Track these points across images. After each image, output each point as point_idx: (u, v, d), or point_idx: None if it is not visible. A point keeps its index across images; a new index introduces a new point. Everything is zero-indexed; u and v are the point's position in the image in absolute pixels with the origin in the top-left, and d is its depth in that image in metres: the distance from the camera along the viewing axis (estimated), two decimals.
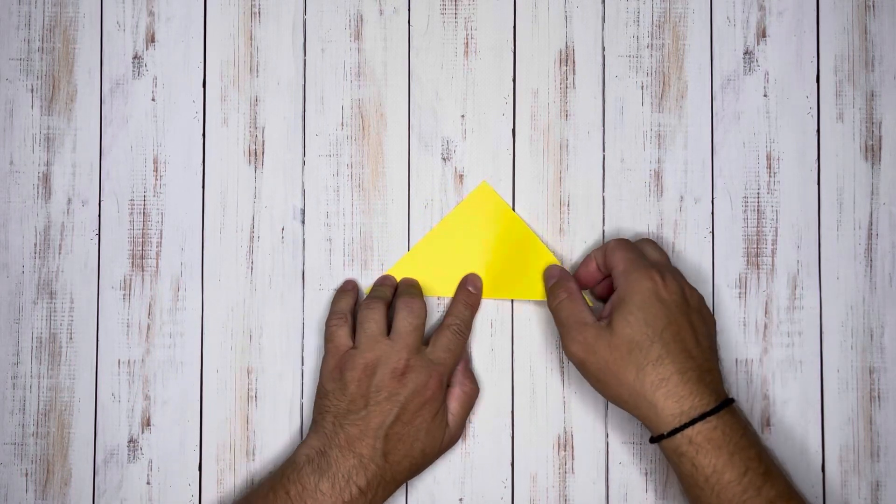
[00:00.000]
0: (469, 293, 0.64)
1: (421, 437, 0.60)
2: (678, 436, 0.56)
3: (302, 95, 0.66)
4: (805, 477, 0.65)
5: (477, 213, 0.65)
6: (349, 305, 0.63)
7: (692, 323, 0.59)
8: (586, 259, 0.63)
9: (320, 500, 0.58)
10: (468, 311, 0.64)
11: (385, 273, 0.65)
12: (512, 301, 0.65)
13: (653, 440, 0.58)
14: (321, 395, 0.61)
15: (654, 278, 0.58)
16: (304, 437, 0.62)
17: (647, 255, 0.61)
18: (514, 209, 0.66)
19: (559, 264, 0.64)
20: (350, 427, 0.59)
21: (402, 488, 0.65)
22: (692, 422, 0.56)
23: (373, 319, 0.61)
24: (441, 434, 0.61)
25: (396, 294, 0.64)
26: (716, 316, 0.66)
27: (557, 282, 0.62)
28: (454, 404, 0.62)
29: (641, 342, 0.57)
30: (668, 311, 0.58)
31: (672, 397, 0.57)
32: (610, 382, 0.58)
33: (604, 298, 0.63)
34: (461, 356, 0.63)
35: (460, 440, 0.65)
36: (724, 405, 0.57)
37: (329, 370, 0.61)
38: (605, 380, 0.59)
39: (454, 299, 0.64)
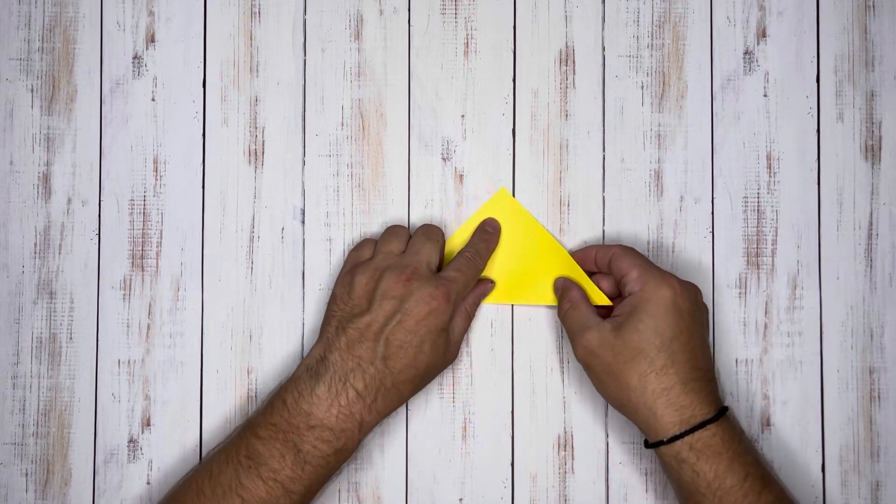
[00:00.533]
0: (486, 232, 0.64)
1: (426, 349, 0.59)
2: (678, 442, 0.56)
3: (302, 95, 0.66)
4: (805, 477, 0.65)
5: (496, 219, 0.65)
6: (392, 243, 0.63)
7: (702, 332, 0.59)
8: (586, 249, 0.64)
9: (316, 404, 0.57)
10: (483, 245, 0.63)
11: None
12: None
13: (649, 445, 0.58)
14: (330, 301, 0.61)
15: (672, 286, 0.59)
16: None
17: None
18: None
19: (570, 277, 0.64)
20: (351, 330, 0.59)
21: (403, 488, 0.65)
22: (692, 429, 0.56)
23: (395, 236, 0.62)
24: (445, 350, 0.60)
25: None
26: (716, 316, 0.66)
27: (562, 293, 0.63)
28: (458, 320, 0.62)
29: (648, 350, 0.57)
30: (681, 320, 0.58)
31: (672, 406, 0.57)
32: (611, 386, 0.59)
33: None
34: (472, 281, 0.62)
35: (457, 362, 0.65)
36: (721, 413, 0.57)
37: (342, 276, 0.62)
38: (607, 382, 0.59)
39: (472, 237, 0.64)
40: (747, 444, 0.58)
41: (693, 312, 0.59)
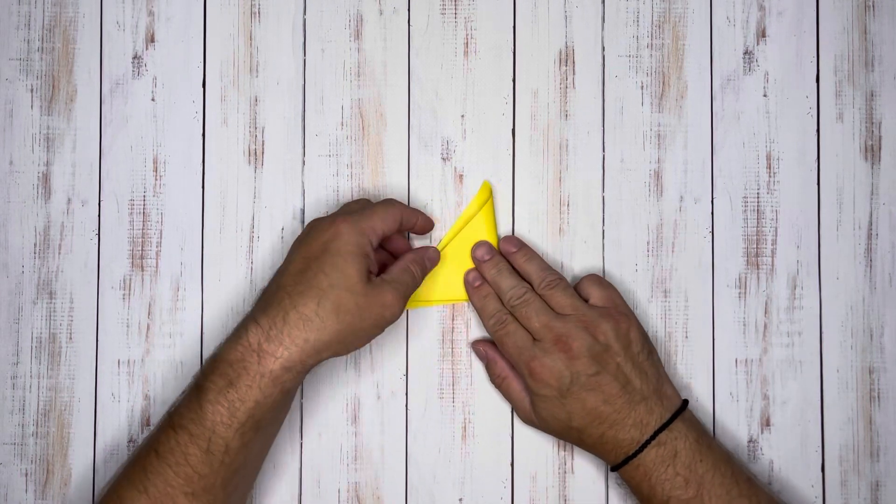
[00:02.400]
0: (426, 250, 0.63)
1: (326, 270, 0.56)
2: (622, 471, 0.60)
3: (302, 95, 0.66)
4: (805, 477, 0.65)
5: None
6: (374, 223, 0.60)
7: (613, 374, 0.59)
8: (491, 358, 0.64)
9: (226, 349, 0.56)
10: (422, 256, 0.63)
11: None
12: None
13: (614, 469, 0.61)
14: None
15: (554, 369, 0.59)
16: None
17: (558, 308, 0.61)
18: (512, 209, 0.66)
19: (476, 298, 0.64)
20: (279, 278, 0.58)
21: (403, 488, 0.65)
22: (619, 465, 0.60)
23: (356, 203, 0.62)
24: (356, 280, 0.56)
25: None
26: (715, 316, 0.66)
27: (487, 365, 0.64)
28: (396, 270, 0.60)
29: (559, 431, 0.61)
30: (573, 394, 0.59)
31: (610, 443, 0.60)
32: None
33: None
34: (391, 226, 0.59)
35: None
36: (648, 442, 0.59)
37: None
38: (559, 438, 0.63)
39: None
40: (678, 466, 0.58)
41: (591, 367, 0.59)
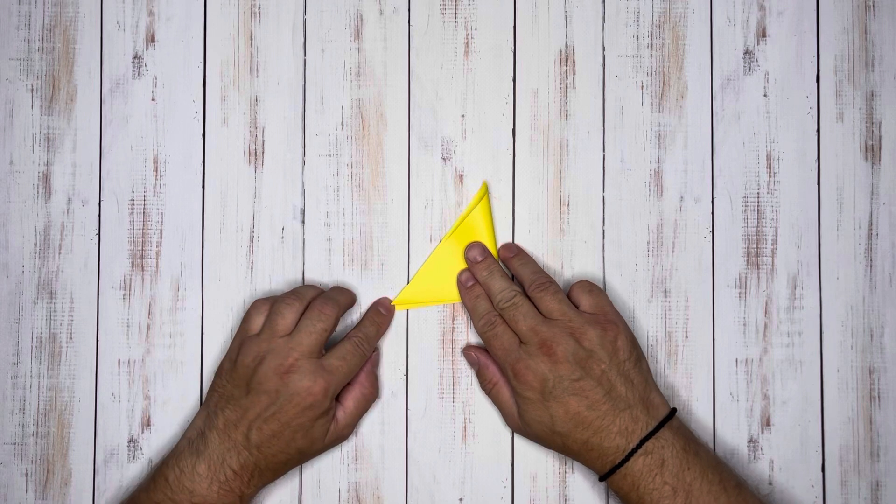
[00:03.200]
0: (378, 313, 0.65)
1: (298, 438, 0.60)
2: (609, 480, 0.60)
3: (302, 95, 0.66)
4: (805, 477, 0.65)
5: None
6: (281, 319, 0.62)
7: (597, 380, 0.59)
8: (482, 364, 0.64)
9: (197, 482, 0.58)
10: (373, 329, 0.64)
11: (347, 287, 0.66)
12: None
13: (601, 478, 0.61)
14: (217, 372, 0.62)
15: (538, 372, 0.59)
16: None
17: (546, 313, 0.61)
18: (513, 211, 0.66)
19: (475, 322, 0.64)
20: (229, 411, 0.59)
21: (403, 488, 0.65)
22: (606, 475, 0.60)
23: (282, 315, 0.61)
24: (323, 436, 0.61)
25: (321, 295, 0.63)
26: (716, 316, 0.66)
27: (478, 371, 0.64)
28: (349, 402, 0.62)
29: (544, 437, 0.61)
30: (556, 398, 0.59)
31: (595, 451, 0.59)
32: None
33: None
34: (355, 368, 0.61)
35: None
36: (634, 451, 0.59)
37: (231, 348, 0.62)
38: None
39: (363, 317, 0.64)
40: (666, 476, 0.58)
41: (575, 371, 0.59)
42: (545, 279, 0.62)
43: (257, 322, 0.61)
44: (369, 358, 0.63)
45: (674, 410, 0.60)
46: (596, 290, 0.63)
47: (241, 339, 0.61)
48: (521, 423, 0.62)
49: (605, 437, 0.59)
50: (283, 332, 0.60)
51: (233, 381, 0.60)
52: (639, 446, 0.58)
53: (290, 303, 0.61)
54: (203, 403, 0.62)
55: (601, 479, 0.60)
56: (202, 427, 0.60)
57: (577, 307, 0.62)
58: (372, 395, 0.63)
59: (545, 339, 0.59)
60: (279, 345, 0.60)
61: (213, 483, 0.58)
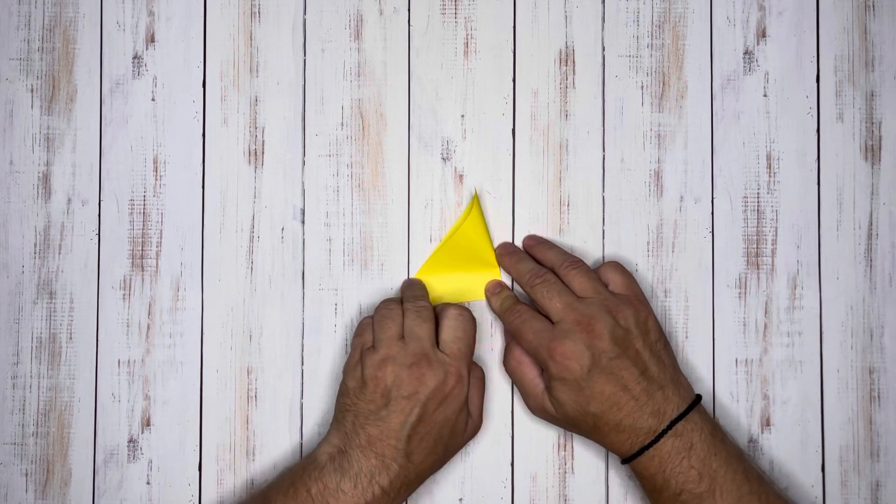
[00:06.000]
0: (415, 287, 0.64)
1: (445, 434, 0.59)
2: (635, 462, 0.59)
3: (302, 95, 0.66)
4: (805, 477, 0.65)
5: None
6: (390, 327, 0.62)
7: (633, 359, 0.59)
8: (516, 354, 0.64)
9: (342, 500, 0.57)
10: (420, 290, 0.64)
11: (413, 276, 0.65)
12: None
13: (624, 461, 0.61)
14: (342, 392, 0.61)
15: (576, 350, 0.59)
16: (325, 433, 0.61)
17: (579, 291, 0.61)
18: (513, 211, 0.66)
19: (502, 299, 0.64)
20: (370, 427, 0.58)
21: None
22: (632, 456, 0.59)
23: (390, 319, 0.60)
24: (463, 428, 0.61)
25: (403, 298, 0.63)
26: (716, 316, 0.66)
27: (506, 346, 0.64)
28: (472, 392, 0.62)
29: (575, 418, 0.60)
30: (593, 378, 0.59)
31: (627, 431, 0.59)
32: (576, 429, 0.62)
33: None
34: (472, 337, 0.61)
35: (482, 427, 0.64)
36: (666, 430, 0.58)
37: (351, 366, 0.61)
38: (570, 428, 0.62)
39: (403, 299, 0.64)
40: (693, 459, 0.58)
41: (612, 350, 0.59)
42: (575, 258, 0.62)
43: (368, 337, 0.61)
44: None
45: (699, 396, 0.60)
46: (625, 271, 0.63)
47: (358, 352, 0.60)
48: (546, 404, 0.61)
49: (639, 418, 0.58)
50: (397, 337, 0.60)
51: (365, 397, 0.59)
52: (670, 426, 0.58)
53: (390, 309, 0.61)
54: (334, 426, 0.60)
55: (624, 461, 0.60)
56: (342, 446, 0.59)
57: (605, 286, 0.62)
58: (482, 376, 0.63)
59: (583, 316, 0.59)
60: (399, 350, 0.59)
61: (358, 502, 0.57)
